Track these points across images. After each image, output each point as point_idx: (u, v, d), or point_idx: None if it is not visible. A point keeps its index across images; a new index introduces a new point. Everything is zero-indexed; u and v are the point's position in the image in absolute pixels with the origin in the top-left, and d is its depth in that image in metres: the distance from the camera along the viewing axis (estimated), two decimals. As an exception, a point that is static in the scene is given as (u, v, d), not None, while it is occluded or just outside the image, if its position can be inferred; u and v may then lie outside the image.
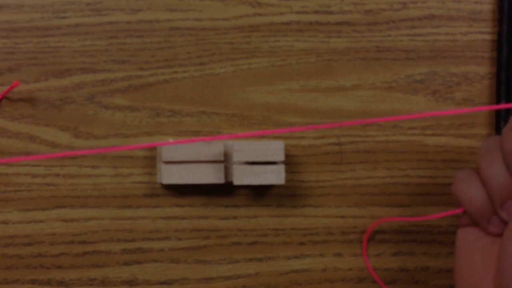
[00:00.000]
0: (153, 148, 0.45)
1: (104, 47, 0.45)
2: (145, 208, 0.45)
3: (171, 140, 0.45)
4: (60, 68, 0.45)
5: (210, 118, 0.45)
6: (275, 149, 0.42)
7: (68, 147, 0.45)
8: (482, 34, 0.46)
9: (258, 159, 0.42)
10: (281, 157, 0.42)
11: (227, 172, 0.43)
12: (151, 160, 0.45)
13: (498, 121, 0.45)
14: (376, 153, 0.46)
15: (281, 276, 0.46)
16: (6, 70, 0.45)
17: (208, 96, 0.46)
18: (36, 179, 0.45)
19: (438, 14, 0.46)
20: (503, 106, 0.35)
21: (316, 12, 0.46)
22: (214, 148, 0.42)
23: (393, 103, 0.46)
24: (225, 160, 0.43)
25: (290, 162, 0.46)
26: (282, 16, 0.46)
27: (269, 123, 0.46)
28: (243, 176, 0.42)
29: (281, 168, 0.42)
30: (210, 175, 0.42)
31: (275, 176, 0.42)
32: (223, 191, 0.45)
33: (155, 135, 0.45)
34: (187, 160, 0.42)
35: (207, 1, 0.45)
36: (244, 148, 0.42)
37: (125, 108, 0.45)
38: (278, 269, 0.46)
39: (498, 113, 0.45)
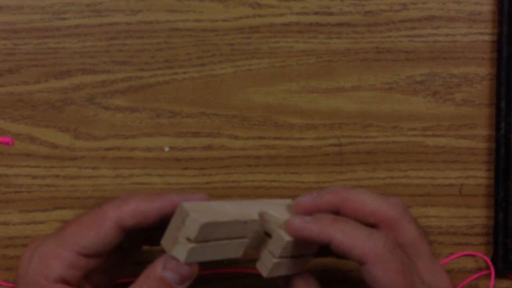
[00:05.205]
0: (152, 149, 0.45)
1: (104, 48, 0.45)
2: (145, 209, 0.45)
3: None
4: (60, 69, 0.45)
5: (210, 119, 0.45)
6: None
7: (68, 148, 0.45)
8: (482, 35, 0.46)
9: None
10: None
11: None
12: (150, 161, 0.45)
13: (498, 122, 0.45)
14: (376, 154, 0.46)
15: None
16: (6, 71, 0.45)
17: (208, 97, 0.46)
18: (36, 180, 0.45)
19: (438, 15, 0.46)
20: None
21: (316, 13, 0.46)
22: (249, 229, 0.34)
23: (393, 104, 0.46)
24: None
25: (290, 163, 0.46)
26: (282, 17, 0.46)
27: (269, 124, 0.46)
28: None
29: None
30: (231, 252, 0.34)
31: None
32: (223, 192, 0.45)
33: (155, 136, 0.45)
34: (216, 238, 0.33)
35: (207, 2, 0.45)
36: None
37: (125, 109, 0.45)
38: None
39: (498, 114, 0.45)
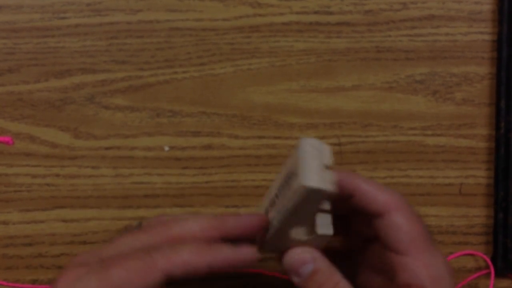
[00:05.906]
0: (152, 149, 0.45)
1: (104, 47, 0.45)
2: (145, 208, 0.45)
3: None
4: (60, 69, 0.45)
5: (210, 119, 0.45)
6: None
7: (68, 148, 0.45)
8: (482, 34, 0.46)
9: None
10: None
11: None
12: (150, 160, 0.45)
13: (498, 121, 0.45)
14: (376, 153, 0.46)
15: (283, 276, 0.46)
16: (6, 71, 0.45)
17: (208, 97, 0.46)
18: (36, 180, 0.45)
19: (438, 15, 0.46)
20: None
21: (316, 12, 0.46)
22: None
23: (393, 104, 0.46)
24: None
25: (290, 162, 0.46)
26: (282, 16, 0.46)
27: (269, 124, 0.46)
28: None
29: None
30: None
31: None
32: (222, 191, 0.45)
33: (155, 136, 0.45)
34: None
35: (207, 2, 0.46)
36: None
37: (125, 109, 0.45)
38: (279, 269, 0.46)
39: (498, 113, 0.45)
